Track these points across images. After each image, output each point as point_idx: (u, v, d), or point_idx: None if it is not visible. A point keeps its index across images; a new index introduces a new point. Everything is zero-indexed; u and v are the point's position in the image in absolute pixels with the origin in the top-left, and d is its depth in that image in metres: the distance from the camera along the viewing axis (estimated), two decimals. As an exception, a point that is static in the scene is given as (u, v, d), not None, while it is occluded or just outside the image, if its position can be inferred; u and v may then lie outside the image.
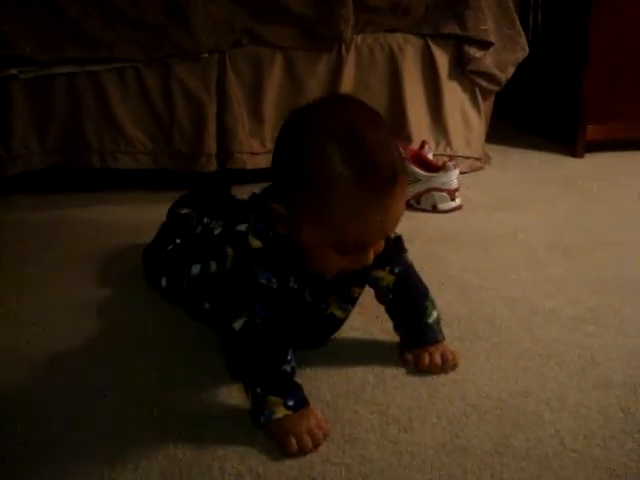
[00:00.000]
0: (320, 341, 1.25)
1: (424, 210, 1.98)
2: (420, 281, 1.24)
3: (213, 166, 2.15)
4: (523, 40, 2.37)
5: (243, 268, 1.08)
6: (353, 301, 1.23)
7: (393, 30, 2.25)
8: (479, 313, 1.37)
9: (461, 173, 2.06)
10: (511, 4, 2.36)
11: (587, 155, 2.53)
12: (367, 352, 1.23)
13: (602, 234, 1.79)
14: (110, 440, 1.01)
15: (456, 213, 1.97)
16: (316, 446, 0.99)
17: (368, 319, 1.32)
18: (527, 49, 2.38)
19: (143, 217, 1.91)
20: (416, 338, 1.21)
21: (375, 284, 1.22)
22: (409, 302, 1.22)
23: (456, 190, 1.99)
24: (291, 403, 1.02)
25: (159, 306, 1.42)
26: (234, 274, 1.10)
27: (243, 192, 2.06)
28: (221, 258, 1.15)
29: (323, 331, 1.24)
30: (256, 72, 2.16)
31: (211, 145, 2.14)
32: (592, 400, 1.09)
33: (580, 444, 0.98)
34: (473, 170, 2.33)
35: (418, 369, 1.17)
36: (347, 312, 1.24)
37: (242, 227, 1.10)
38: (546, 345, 1.25)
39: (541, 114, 2.82)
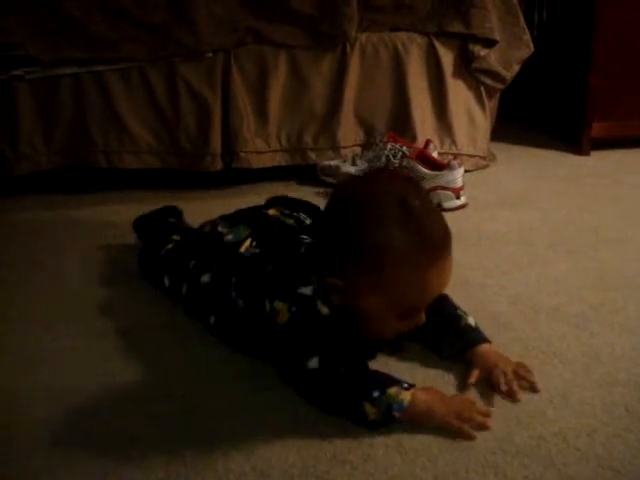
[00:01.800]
0: None
1: (429, 208, 1.98)
2: (446, 298, 1.23)
3: (218, 165, 2.16)
4: (528, 37, 2.37)
5: (308, 323, 1.08)
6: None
7: (397, 29, 2.25)
8: (483, 311, 1.37)
9: (466, 171, 2.06)
10: (515, 1, 2.35)
11: (593, 153, 2.53)
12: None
13: (606, 232, 1.79)
14: (114, 436, 1.02)
15: (461, 211, 1.97)
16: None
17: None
18: (532, 46, 2.37)
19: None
20: (463, 345, 1.18)
21: None
22: (442, 316, 1.20)
23: (461, 188, 1.99)
24: (405, 385, 1.03)
25: (165, 305, 1.43)
26: (296, 327, 1.09)
27: (252, 191, 2.10)
28: (263, 309, 1.13)
29: None
30: (261, 71, 2.17)
31: (216, 144, 2.15)
32: (596, 398, 1.09)
33: (584, 442, 0.99)
34: (478, 168, 2.33)
35: (497, 389, 1.10)
36: None
37: (306, 290, 1.10)
38: (550, 343, 1.25)
39: (547, 112, 2.81)
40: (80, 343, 1.29)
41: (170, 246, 1.48)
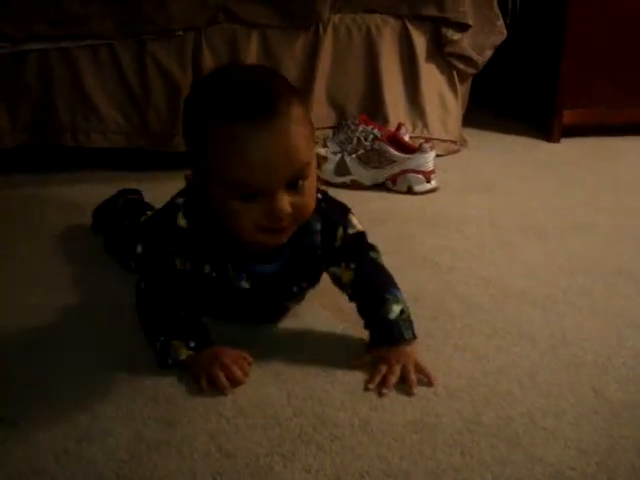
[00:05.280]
0: (273, 317, 1.25)
1: (399, 192, 1.98)
2: (383, 275, 1.18)
3: (187, 146, 2.13)
4: (501, 23, 2.37)
5: (160, 249, 1.12)
6: (302, 293, 1.23)
7: (371, 10, 2.23)
8: (452, 293, 1.37)
9: (437, 156, 2.06)
10: (489, -13, 2.35)
11: (563, 140, 2.54)
12: (338, 331, 1.23)
13: (575, 217, 1.80)
14: (76, 416, 1.00)
15: (431, 195, 1.97)
16: (234, 381, 1.05)
17: (337, 298, 1.30)
18: (505, 32, 2.37)
19: (116, 196, 1.88)
20: (374, 336, 1.14)
21: (335, 282, 1.20)
22: (366, 296, 1.17)
23: (432, 172, 1.98)
24: (193, 344, 1.08)
25: (129, 281, 1.40)
26: (150, 252, 1.15)
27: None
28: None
29: (271, 313, 1.24)
30: (232, 51, 2.13)
31: (186, 124, 2.11)
32: (563, 379, 1.09)
33: (551, 422, 0.99)
34: (449, 153, 2.33)
35: (371, 379, 1.07)
36: (300, 299, 1.25)
37: (179, 200, 1.14)
38: (518, 324, 1.25)
39: (519, 98, 2.82)
40: (45, 318, 1.27)
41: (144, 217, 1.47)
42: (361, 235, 1.18)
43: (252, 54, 2.14)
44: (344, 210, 1.18)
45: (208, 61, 2.11)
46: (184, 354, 1.07)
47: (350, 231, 1.16)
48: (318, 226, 1.14)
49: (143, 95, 2.12)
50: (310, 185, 1.04)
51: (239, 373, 1.06)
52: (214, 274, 1.12)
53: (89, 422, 0.98)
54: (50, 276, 1.45)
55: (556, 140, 2.54)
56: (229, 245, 1.10)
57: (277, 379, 1.09)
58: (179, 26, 2.07)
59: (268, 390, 1.06)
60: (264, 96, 0.99)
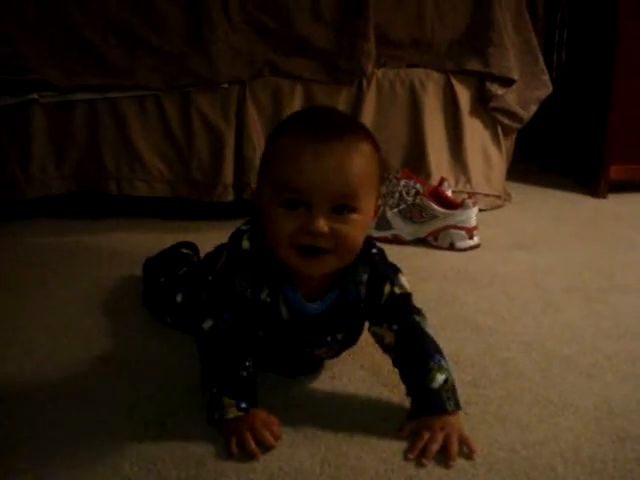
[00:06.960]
0: (305, 367, 1.24)
1: (441, 248, 1.95)
2: (426, 340, 1.13)
3: (230, 196, 2.14)
4: (546, 78, 2.35)
5: (226, 273, 1.13)
6: (334, 346, 1.21)
7: (415, 65, 2.24)
8: (493, 357, 1.33)
9: (480, 211, 2.03)
10: (535, 42, 2.34)
11: (610, 196, 2.49)
12: (375, 394, 1.20)
13: (622, 278, 1.75)
14: (106, 478, 0.98)
15: (474, 252, 1.94)
16: (265, 445, 1.04)
17: (375, 359, 1.28)
18: (550, 87, 2.35)
19: (157, 245, 1.89)
20: (416, 405, 1.11)
21: (378, 342, 1.17)
22: (409, 363, 1.12)
23: (474, 228, 1.96)
24: (243, 405, 1.06)
25: (165, 334, 1.40)
26: (217, 277, 1.15)
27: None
28: (217, 262, 1.19)
29: (303, 360, 1.23)
30: (276, 104, 2.15)
31: (228, 175, 2.13)
32: (608, 453, 1.04)
33: (594, 501, 0.94)
34: (493, 208, 2.30)
35: (413, 447, 1.04)
36: (332, 352, 1.23)
37: (244, 227, 1.15)
38: (561, 393, 1.20)
39: (565, 153, 2.78)
40: (76, 371, 1.27)
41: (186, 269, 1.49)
42: (407, 297, 1.16)
43: (296, 107, 2.15)
44: (395, 268, 1.16)
45: (252, 113, 2.13)
46: (232, 413, 1.05)
47: (397, 290, 1.13)
48: (365, 277, 1.12)
49: (187, 145, 2.14)
50: (359, 221, 1.03)
51: (269, 437, 1.05)
52: (269, 299, 1.11)
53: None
54: (87, 326, 1.46)
55: (603, 196, 2.50)
56: (282, 272, 1.10)
57: (310, 444, 1.06)
58: (225, 79, 2.09)
59: (300, 455, 1.03)
60: (338, 123, 1.06)
